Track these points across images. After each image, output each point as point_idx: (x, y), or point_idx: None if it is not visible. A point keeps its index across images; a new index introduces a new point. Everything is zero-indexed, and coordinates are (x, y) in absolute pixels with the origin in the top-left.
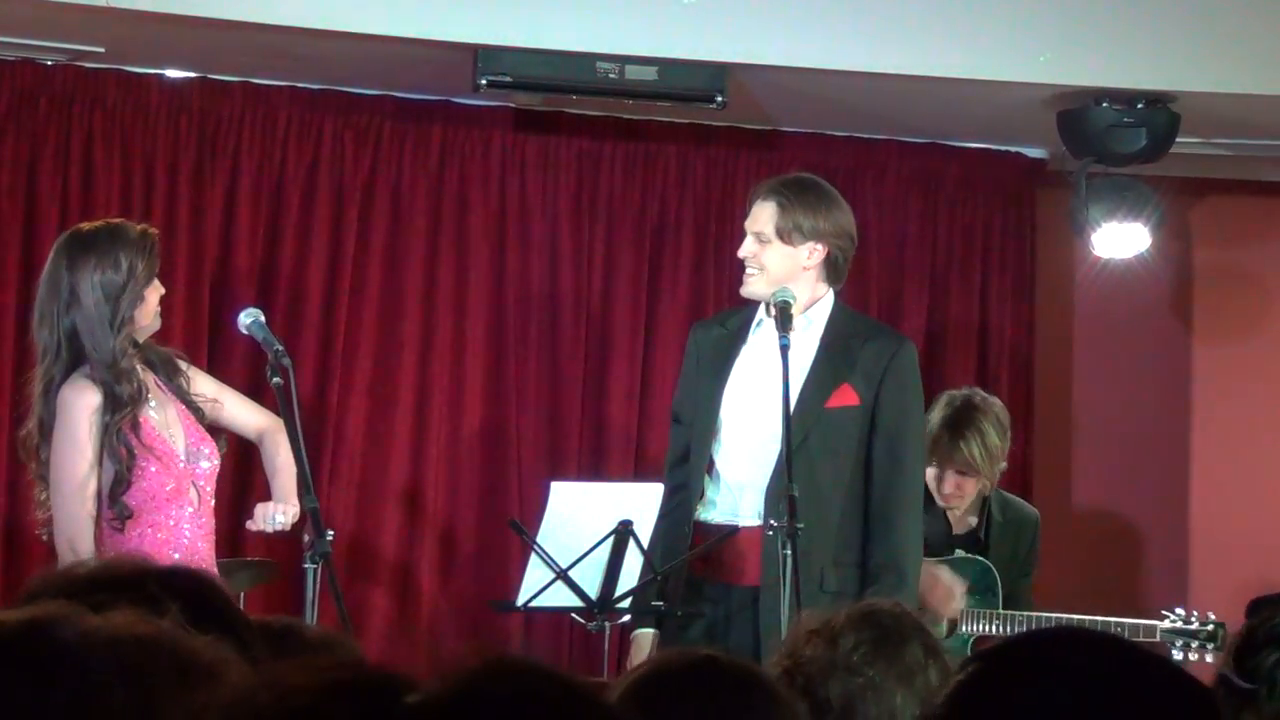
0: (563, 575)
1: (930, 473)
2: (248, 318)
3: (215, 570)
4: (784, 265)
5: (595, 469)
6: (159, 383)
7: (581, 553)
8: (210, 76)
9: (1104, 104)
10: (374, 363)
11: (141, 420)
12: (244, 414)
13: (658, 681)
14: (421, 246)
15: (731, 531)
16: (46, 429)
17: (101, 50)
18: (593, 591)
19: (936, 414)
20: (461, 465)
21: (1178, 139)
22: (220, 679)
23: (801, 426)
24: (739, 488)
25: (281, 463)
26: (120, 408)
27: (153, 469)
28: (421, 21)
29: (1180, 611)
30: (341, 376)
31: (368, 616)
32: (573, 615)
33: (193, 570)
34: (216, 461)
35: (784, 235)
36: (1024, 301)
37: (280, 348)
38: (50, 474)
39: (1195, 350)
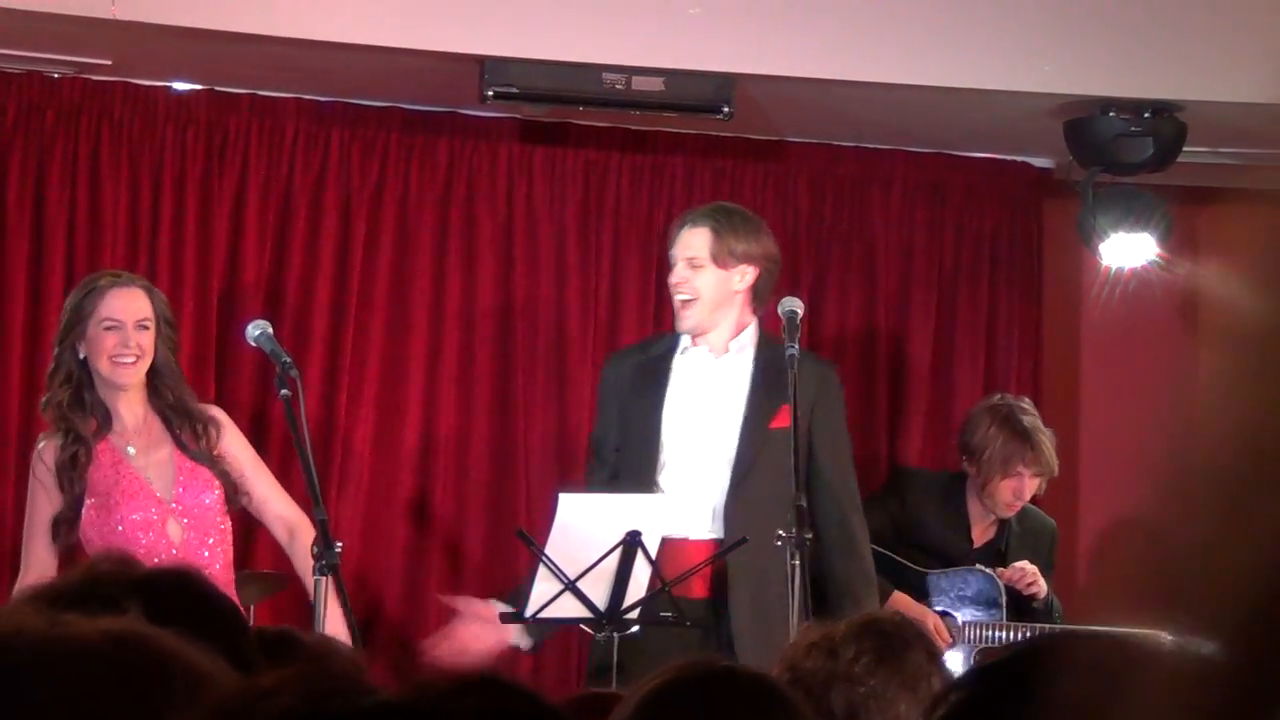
0: (571, 586)
1: (1004, 484)
2: (255, 330)
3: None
4: (719, 290)
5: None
6: (168, 431)
7: (589, 564)
8: (217, 88)
9: (1111, 113)
10: (381, 374)
11: (113, 457)
12: (274, 500)
13: (672, 693)
14: (429, 257)
15: (740, 542)
16: None
17: (109, 63)
18: (601, 603)
19: (985, 427)
20: (469, 476)
21: (1185, 148)
22: (202, 686)
23: (751, 447)
24: (682, 504)
25: (330, 611)
26: (70, 445)
27: (122, 506)
28: (428, 33)
29: None
30: (349, 388)
31: (376, 628)
32: (581, 626)
33: (177, 569)
34: (208, 502)
35: (718, 259)
36: (1031, 311)
37: (288, 360)
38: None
39: (1202, 358)
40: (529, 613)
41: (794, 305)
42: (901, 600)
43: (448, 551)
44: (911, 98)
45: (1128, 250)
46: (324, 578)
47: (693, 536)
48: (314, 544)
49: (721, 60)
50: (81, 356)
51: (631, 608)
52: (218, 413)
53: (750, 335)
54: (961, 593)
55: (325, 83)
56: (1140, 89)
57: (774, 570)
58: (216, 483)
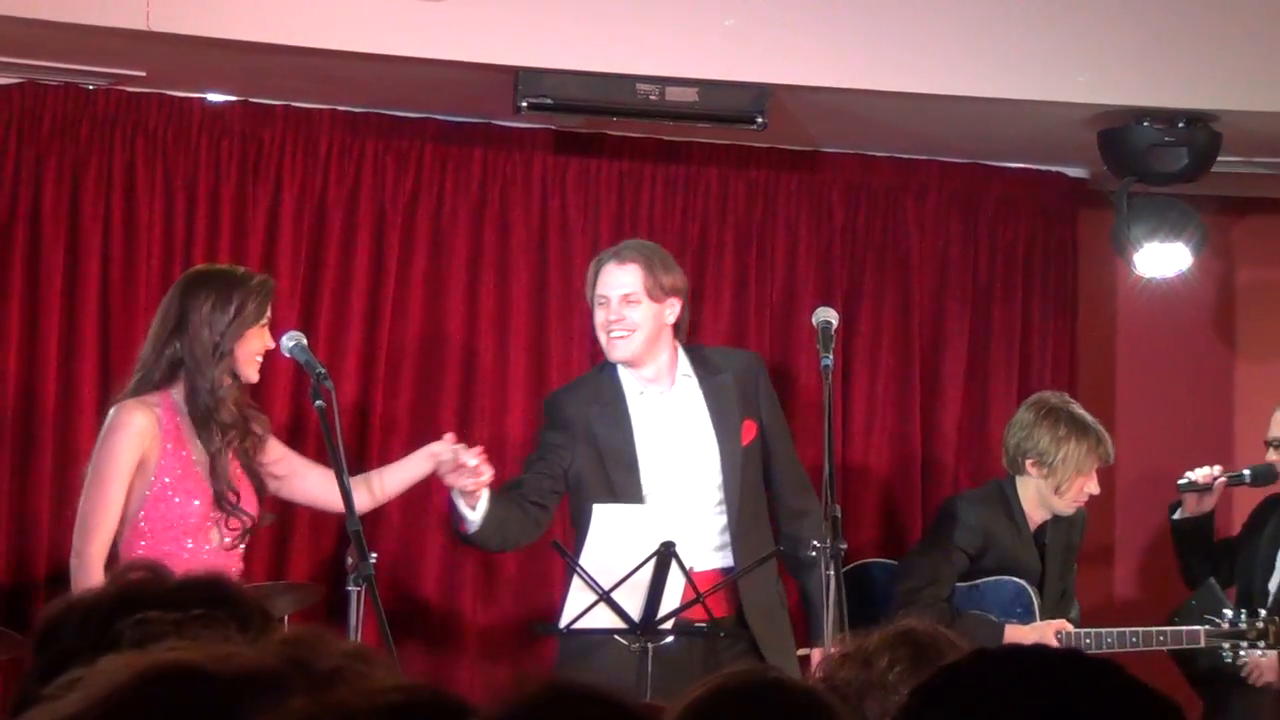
0: (605, 597)
1: (1077, 482)
2: (290, 341)
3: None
4: (653, 322)
5: None
6: (222, 434)
7: (624, 574)
8: (252, 100)
9: (1145, 123)
10: (416, 384)
11: (182, 451)
12: (319, 484)
13: (719, 703)
14: (463, 268)
15: (770, 555)
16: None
17: (143, 74)
18: (635, 613)
19: (1051, 430)
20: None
21: (1219, 158)
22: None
23: (735, 470)
24: (693, 545)
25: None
26: (225, 431)
27: (177, 499)
28: (462, 44)
29: (1229, 613)
30: (384, 398)
31: (411, 638)
32: (615, 637)
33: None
34: (245, 518)
35: (651, 293)
36: (1066, 321)
37: (322, 370)
38: (86, 482)
39: (1237, 369)
40: (564, 623)
41: (828, 316)
42: (1016, 633)
43: (482, 562)
44: (946, 108)
45: (1162, 260)
46: (358, 589)
47: (698, 568)
48: (348, 554)
49: (756, 71)
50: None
51: (666, 618)
52: (264, 421)
53: (686, 364)
54: (996, 601)
55: (360, 94)
56: (1175, 99)
57: (773, 580)
58: (254, 496)
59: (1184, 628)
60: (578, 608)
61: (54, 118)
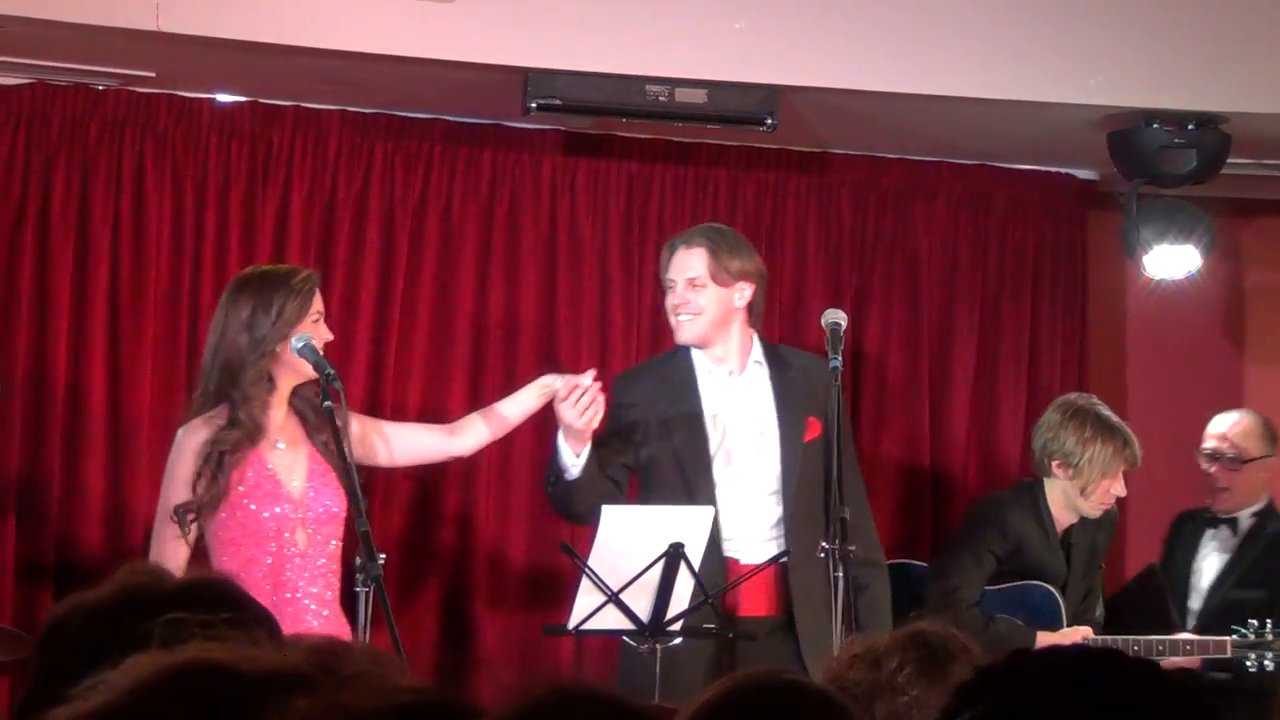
0: (614, 598)
1: (1104, 484)
2: (299, 342)
3: (328, 612)
4: (720, 306)
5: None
6: (304, 430)
7: (632, 576)
8: (261, 100)
9: (1155, 125)
10: (425, 385)
11: (253, 456)
12: (418, 437)
13: (732, 704)
14: (472, 269)
15: (782, 555)
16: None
17: (153, 75)
18: (644, 614)
19: (1079, 432)
20: (512, 488)
21: (1229, 160)
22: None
23: (794, 465)
24: (747, 531)
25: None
26: (233, 433)
27: (252, 505)
28: (472, 45)
29: (1254, 622)
30: (392, 399)
31: (419, 639)
32: (624, 638)
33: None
34: (335, 509)
35: (717, 278)
36: (1075, 323)
37: (332, 371)
38: (159, 506)
39: (1247, 370)
40: (572, 624)
41: (837, 317)
42: (1047, 640)
43: (491, 563)
44: (955, 109)
45: (1171, 262)
46: (367, 589)
47: (745, 560)
48: (356, 555)
49: (765, 72)
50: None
51: (675, 619)
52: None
53: (759, 352)
54: (1021, 606)
55: (369, 94)
56: (1184, 101)
57: (824, 582)
58: (341, 491)
59: (1211, 638)
60: (587, 609)
61: (63, 118)
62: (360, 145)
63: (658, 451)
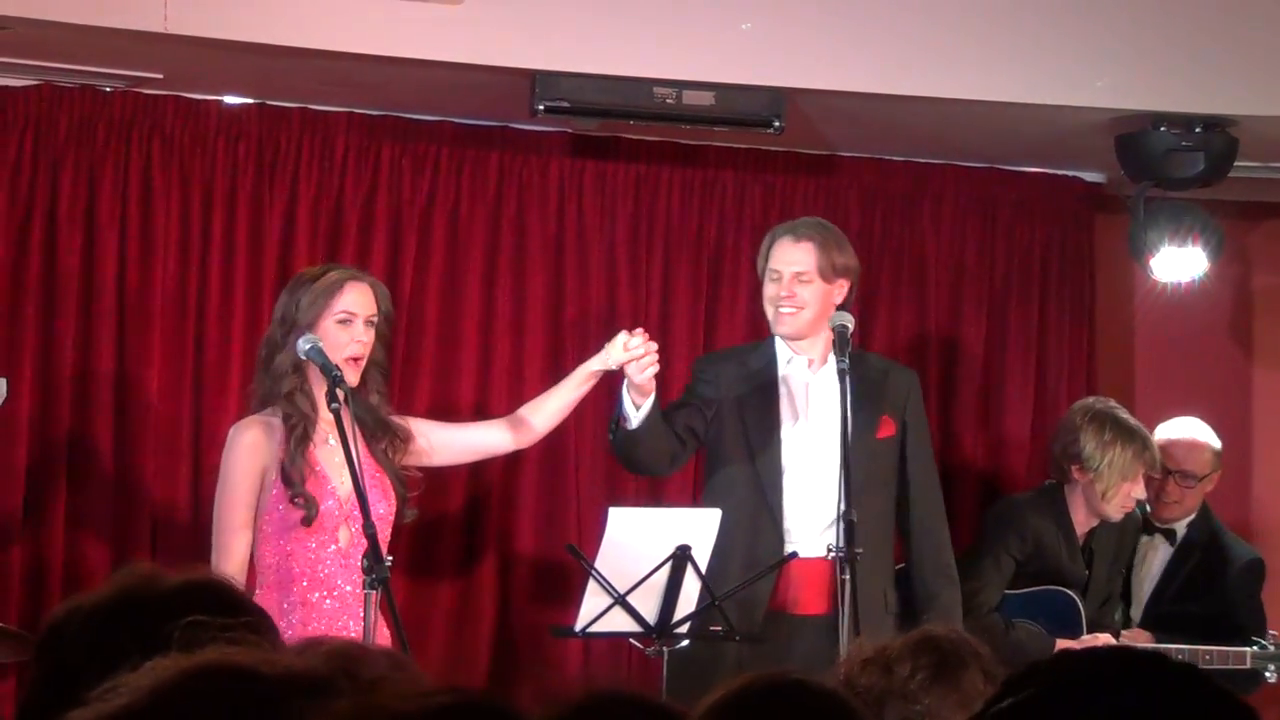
0: (621, 600)
1: (1124, 487)
2: (306, 344)
3: (363, 612)
4: (823, 302)
5: (653, 494)
6: (362, 434)
7: (640, 578)
8: (268, 102)
9: (1162, 128)
10: (432, 387)
11: (306, 451)
12: (480, 435)
13: (742, 703)
14: (479, 271)
15: (790, 557)
16: None
17: (160, 76)
18: (651, 617)
19: (1098, 436)
20: (519, 490)
21: (1236, 163)
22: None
23: (859, 459)
24: (806, 522)
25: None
26: (291, 430)
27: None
28: (479, 47)
29: (1275, 633)
30: (400, 401)
31: (426, 641)
32: (631, 640)
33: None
34: (382, 511)
35: (824, 273)
36: (1083, 326)
37: (339, 373)
38: (215, 504)
39: (1254, 373)
40: (579, 626)
41: (844, 320)
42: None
43: (498, 565)
44: (963, 112)
45: (1179, 265)
46: (374, 591)
47: (808, 555)
48: (364, 557)
49: (772, 74)
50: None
51: (681, 621)
52: (404, 422)
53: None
54: (1042, 611)
55: (376, 96)
56: (1192, 104)
57: (884, 584)
58: (392, 494)
59: (1230, 648)
60: (594, 611)
61: (70, 120)
62: (367, 147)
63: (729, 434)
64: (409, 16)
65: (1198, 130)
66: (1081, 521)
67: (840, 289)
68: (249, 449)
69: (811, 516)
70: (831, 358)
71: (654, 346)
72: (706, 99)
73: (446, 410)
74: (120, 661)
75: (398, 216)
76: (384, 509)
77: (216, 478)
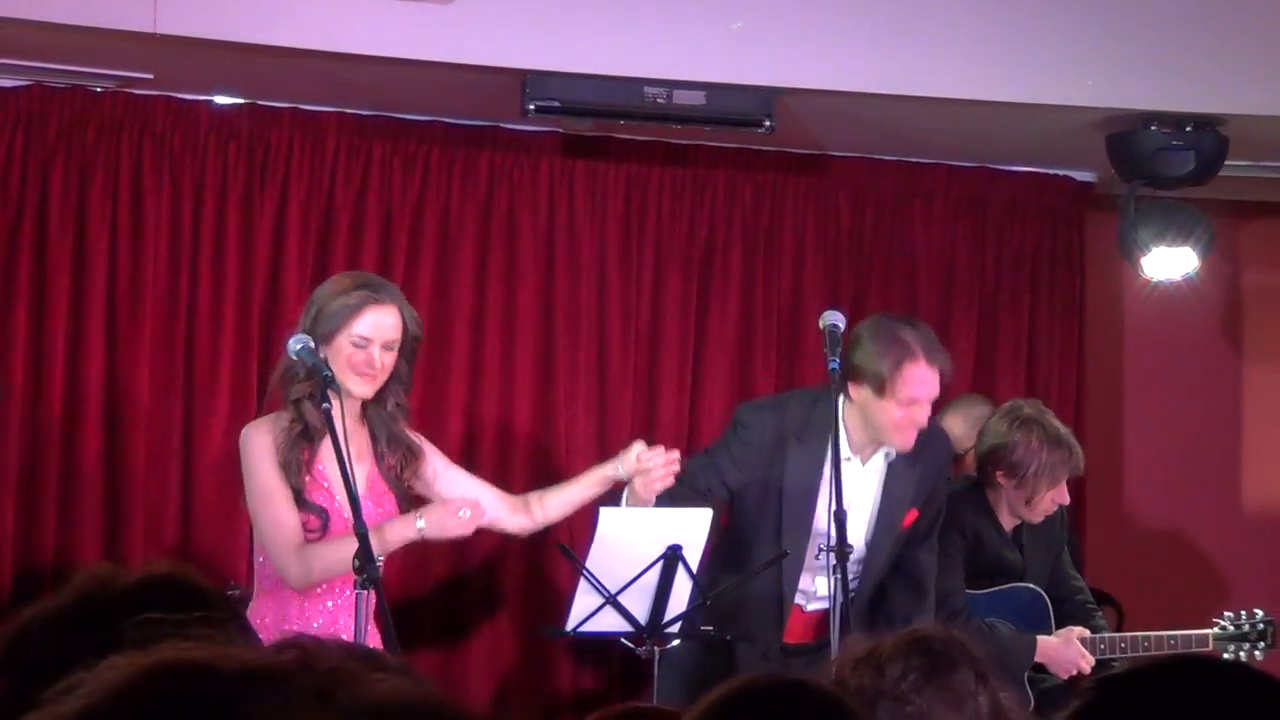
0: (612, 600)
1: (1049, 494)
2: (297, 344)
3: (370, 623)
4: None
5: None
6: (372, 448)
7: (630, 578)
8: (259, 102)
9: (1152, 127)
10: (423, 386)
11: (314, 459)
12: (485, 498)
13: (741, 702)
14: (470, 271)
15: (781, 555)
16: None
17: (150, 77)
18: (642, 616)
19: (1025, 442)
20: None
21: (1226, 162)
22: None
23: (888, 550)
24: (813, 589)
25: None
26: (304, 437)
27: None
28: (470, 47)
29: (1229, 614)
30: None
31: (417, 641)
32: (622, 640)
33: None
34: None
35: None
36: (1073, 324)
37: (329, 373)
38: (251, 510)
39: (1245, 372)
40: (570, 626)
41: (835, 319)
42: (1048, 643)
43: (488, 564)
44: (953, 112)
45: (1169, 264)
46: (365, 591)
47: (809, 607)
48: (355, 557)
49: (763, 74)
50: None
51: (672, 622)
52: (420, 441)
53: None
54: (1011, 609)
55: (367, 97)
56: (1182, 103)
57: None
58: (396, 509)
59: (1194, 632)
60: (585, 610)
61: (61, 120)
62: (358, 147)
63: (757, 496)
64: (399, 17)
65: (1188, 129)
66: (1006, 520)
67: None
68: (268, 446)
69: (822, 587)
70: (881, 452)
71: (675, 458)
72: (697, 99)
73: (436, 409)
74: (81, 664)
75: (388, 216)
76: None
77: (209, 476)
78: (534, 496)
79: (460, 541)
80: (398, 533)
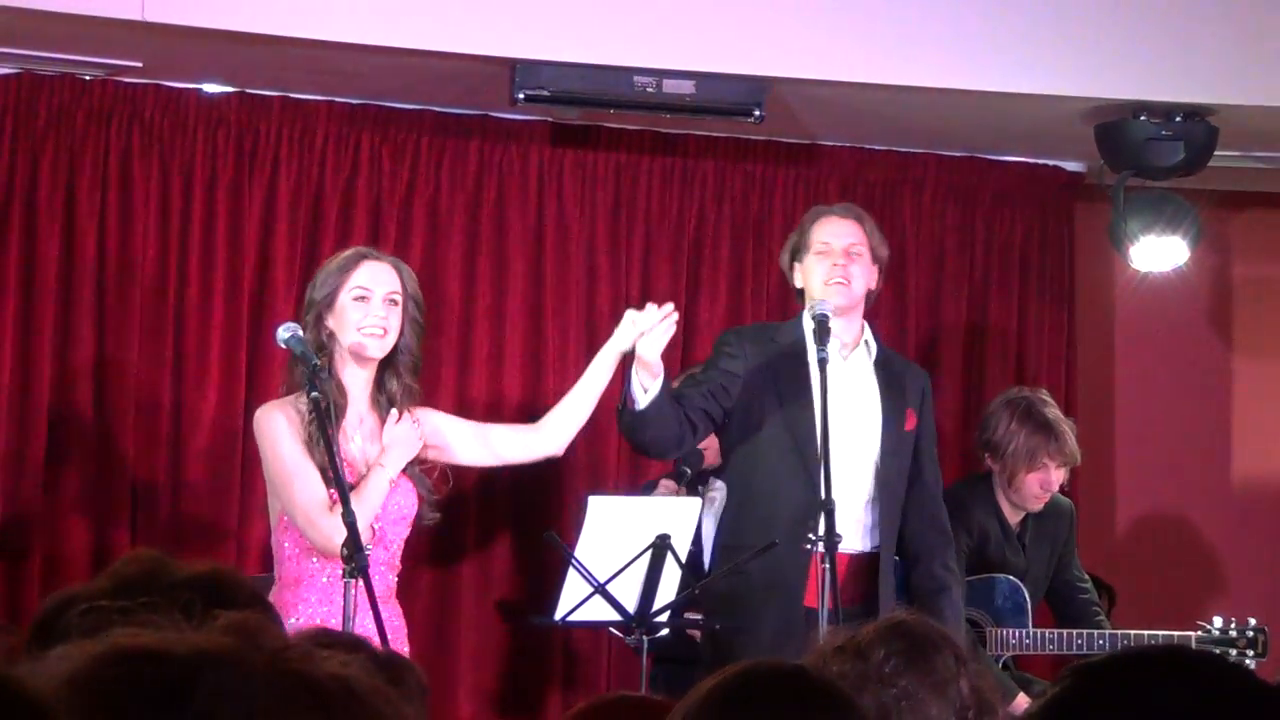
0: (601, 589)
1: (1030, 478)
2: (286, 332)
3: (386, 610)
4: (865, 283)
5: (633, 483)
6: (379, 429)
7: (619, 567)
8: (248, 91)
9: (1142, 117)
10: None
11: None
12: (509, 437)
13: (741, 689)
14: (459, 260)
15: (770, 546)
16: None
17: (139, 65)
18: (631, 605)
19: (1006, 422)
20: (499, 479)
21: (1216, 152)
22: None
23: (892, 450)
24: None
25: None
26: (322, 407)
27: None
28: (459, 36)
29: (1219, 620)
30: None
31: (407, 629)
32: (610, 629)
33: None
34: (405, 512)
35: (873, 253)
36: (1062, 315)
37: (318, 362)
38: (276, 487)
39: (1234, 362)
40: (559, 615)
41: (825, 308)
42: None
43: (477, 553)
44: (943, 101)
45: (1158, 254)
46: (352, 580)
47: (841, 550)
48: (343, 546)
49: (753, 63)
50: (327, 334)
51: (661, 610)
52: (424, 414)
53: (869, 334)
54: (989, 600)
55: (356, 85)
56: (1172, 93)
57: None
58: (414, 494)
59: (1175, 632)
60: (573, 600)
61: (50, 108)
62: (347, 136)
63: (760, 401)
64: (389, 5)
65: (1178, 119)
66: (1009, 510)
67: (875, 277)
68: (286, 424)
69: (844, 506)
70: (862, 345)
71: (670, 310)
72: (687, 88)
73: (426, 397)
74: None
75: (377, 205)
76: (406, 508)
77: (197, 461)
78: (549, 414)
79: (448, 527)
80: (373, 487)
